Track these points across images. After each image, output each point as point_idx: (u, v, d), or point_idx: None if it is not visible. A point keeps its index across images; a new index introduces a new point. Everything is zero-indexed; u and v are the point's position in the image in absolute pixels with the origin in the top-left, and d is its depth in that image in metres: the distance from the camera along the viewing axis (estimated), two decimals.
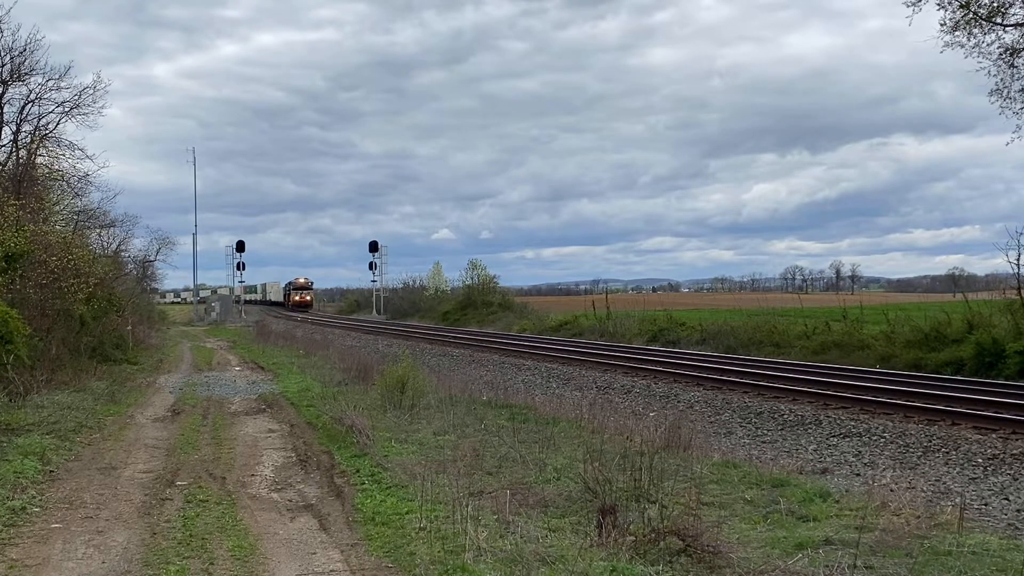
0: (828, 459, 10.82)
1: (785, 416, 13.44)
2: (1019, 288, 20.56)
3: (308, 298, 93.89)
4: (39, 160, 26.41)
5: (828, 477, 9.57)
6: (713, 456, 9.77)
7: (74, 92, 25.64)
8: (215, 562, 5.90)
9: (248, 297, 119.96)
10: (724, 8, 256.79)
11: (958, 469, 9.87)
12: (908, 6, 21.06)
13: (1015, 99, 20.78)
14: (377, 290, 77.36)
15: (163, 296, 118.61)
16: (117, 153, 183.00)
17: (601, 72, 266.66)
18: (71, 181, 27.98)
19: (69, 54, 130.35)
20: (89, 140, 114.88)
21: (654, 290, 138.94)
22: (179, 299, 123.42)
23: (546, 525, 6.51)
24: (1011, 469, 9.60)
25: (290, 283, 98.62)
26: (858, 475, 9.89)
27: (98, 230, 36.77)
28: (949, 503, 7.91)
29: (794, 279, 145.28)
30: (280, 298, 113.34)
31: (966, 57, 20.81)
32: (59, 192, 28.44)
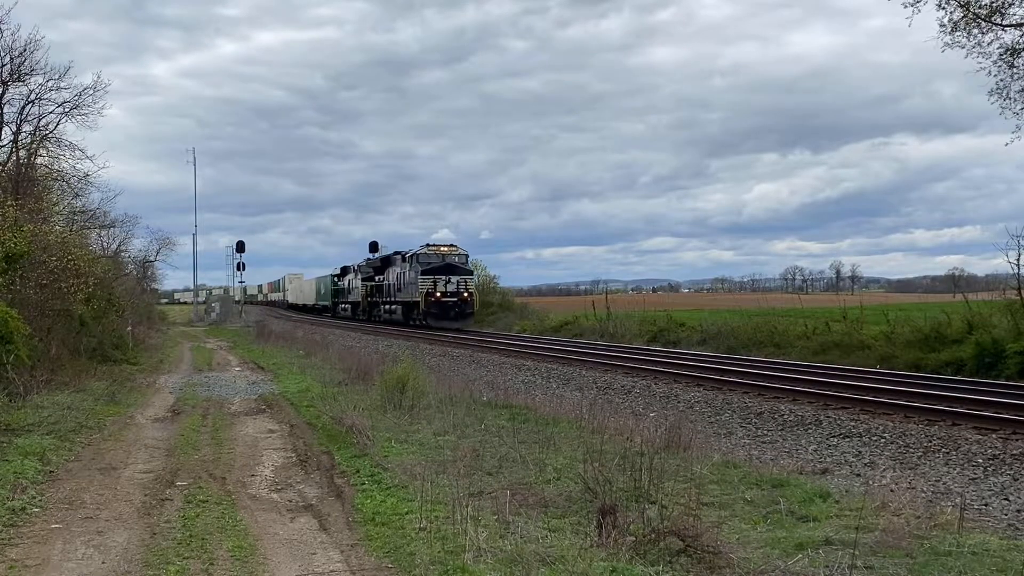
0: (828, 459, 10.81)
1: (785, 416, 13.43)
2: (1019, 288, 20.57)
3: (467, 295, 39.84)
4: (39, 160, 26.45)
5: (828, 477, 9.56)
6: (713, 456, 9.76)
7: (74, 92, 25.70)
8: (215, 562, 5.90)
9: (274, 297, 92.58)
10: (726, 7, 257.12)
11: (958, 469, 9.86)
12: (907, 6, 21.01)
13: (1015, 99, 20.76)
14: None
15: (197, 294, 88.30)
16: (116, 153, 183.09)
17: (602, 71, 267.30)
18: (71, 181, 28.05)
19: (68, 53, 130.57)
20: (89, 140, 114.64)
21: (654, 290, 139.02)
22: (213, 299, 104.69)
23: (546, 525, 6.51)
24: (1011, 469, 9.60)
25: (409, 255, 42.30)
26: (858, 475, 9.88)
27: (98, 230, 36.89)
28: (949, 503, 7.91)
29: (794, 279, 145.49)
30: (300, 299, 74.40)
31: (966, 57, 20.76)
32: (59, 192, 28.46)
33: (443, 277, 39.02)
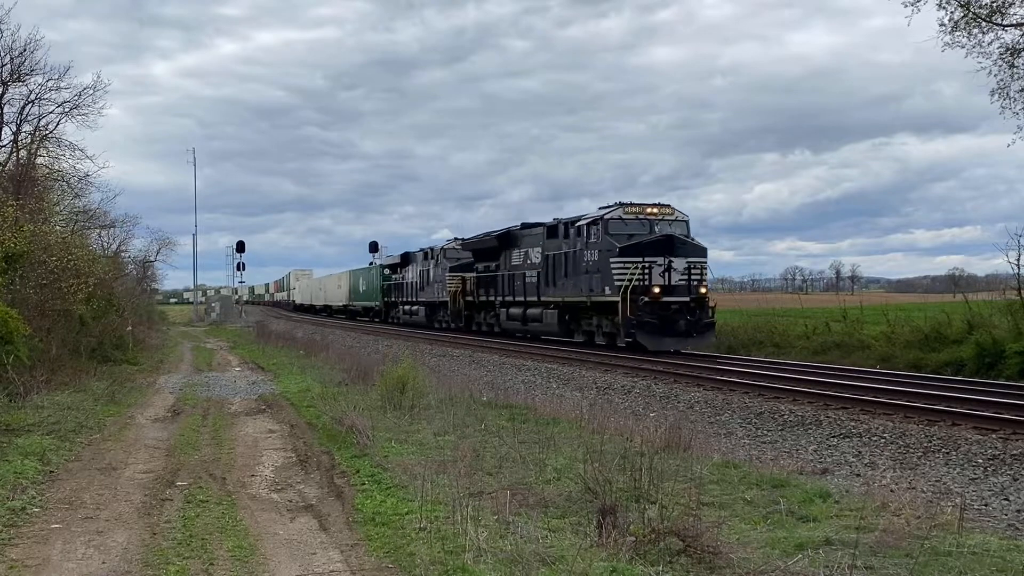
0: (828, 459, 10.81)
1: (785, 416, 13.43)
2: (1019, 288, 20.57)
3: (705, 291, 22.89)
4: (39, 160, 26.50)
5: (828, 477, 9.57)
6: (713, 456, 9.76)
7: (74, 92, 25.78)
8: (215, 562, 5.90)
9: (280, 297, 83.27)
10: (727, 6, 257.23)
11: (958, 469, 9.86)
12: (907, 6, 20.99)
13: (1015, 99, 20.75)
14: None
15: (204, 294, 79.80)
16: (116, 153, 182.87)
17: (603, 71, 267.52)
18: (71, 181, 28.15)
19: (68, 53, 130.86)
20: (89, 140, 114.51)
21: None
22: (256, 298, 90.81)
23: (546, 525, 6.51)
24: (1011, 469, 9.60)
25: (583, 221, 24.96)
26: (858, 475, 9.89)
27: (98, 230, 36.95)
28: (949, 503, 7.90)
29: (794, 279, 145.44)
30: (319, 299, 61.59)
31: (966, 57, 20.77)
32: (59, 192, 28.55)
33: (660, 260, 22.31)
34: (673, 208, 24.35)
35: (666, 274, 22.34)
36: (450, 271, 36.09)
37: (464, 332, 34.91)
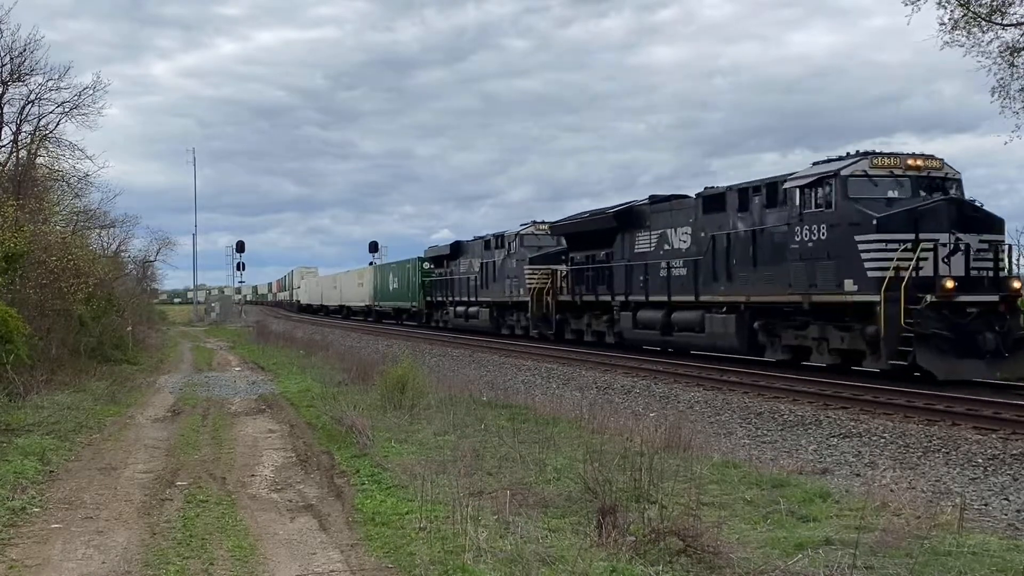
0: (828, 459, 10.81)
1: (785, 416, 13.44)
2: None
3: (1018, 286, 14.49)
4: (39, 160, 26.46)
5: (828, 477, 9.57)
6: (713, 456, 9.76)
7: (74, 92, 25.68)
8: (215, 562, 5.90)
9: (283, 297, 77.58)
10: (727, 6, 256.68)
11: (958, 469, 9.86)
12: (907, 4, 20.95)
13: (1015, 98, 20.73)
14: None
15: (207, 294, 76.31)
16: (116, 153, 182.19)
17: (603, 71, 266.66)
18: (71, 181, 28.09)
19: (68, 53, 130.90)
20: (89, 140, 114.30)
21: None
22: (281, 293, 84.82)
23: (546, 525, 6.52)
24: (1011, 469, 9.59)
25: (813, 177, 16.00)
26: (858, 475, 9.88)
27: (98, 230, 36.90)
28: (949, 503, 7.90)
29: None
30: (331, 298, 55.04)
31: (965, 56, 20.73)
32: (59, 192, 28.51)
33: (945, 237, 14.74)
34: (943, 162, 16.09)
35: (954, 259, 14.60)
36: (530, 263, 28.99)
37: (555, 342, 27.42)
